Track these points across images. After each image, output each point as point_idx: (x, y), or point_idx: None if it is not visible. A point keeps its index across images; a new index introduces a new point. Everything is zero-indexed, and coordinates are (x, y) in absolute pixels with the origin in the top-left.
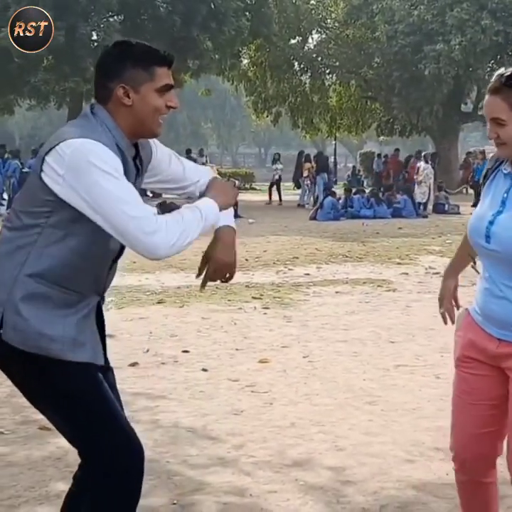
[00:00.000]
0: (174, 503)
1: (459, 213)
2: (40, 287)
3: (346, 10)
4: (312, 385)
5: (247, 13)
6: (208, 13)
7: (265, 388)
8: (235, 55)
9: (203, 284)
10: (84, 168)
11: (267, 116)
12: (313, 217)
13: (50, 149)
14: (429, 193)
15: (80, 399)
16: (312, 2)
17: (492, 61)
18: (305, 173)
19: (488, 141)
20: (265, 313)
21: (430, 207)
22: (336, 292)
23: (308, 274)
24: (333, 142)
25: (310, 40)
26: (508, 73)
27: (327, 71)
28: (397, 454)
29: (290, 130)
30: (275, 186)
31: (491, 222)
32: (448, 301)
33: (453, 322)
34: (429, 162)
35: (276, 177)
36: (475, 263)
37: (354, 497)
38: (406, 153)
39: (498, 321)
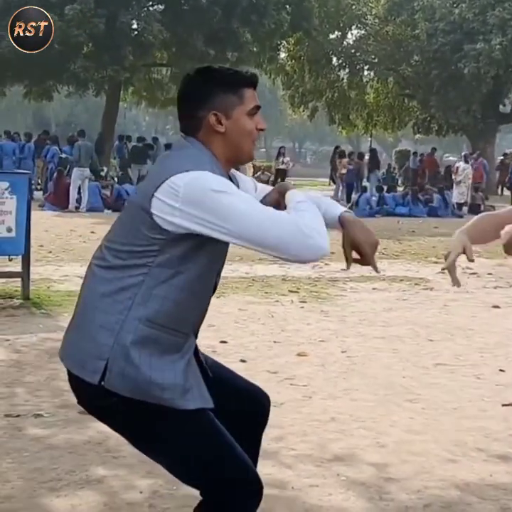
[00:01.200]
0: None
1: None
2: (151, 331)
3: (387, 6)
4: (351, 380)
5: (288, 7)
6: (248, 5)
7: (304, 381)
8: (273, 48)
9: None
10: (209, 197)
11: (304, 111)
12: None
13: (159, 185)
14: (468, 194)
15: (195, 444)
16: None
17: None
18: (343, 170)
19: None
20: (302, 307)
21: (465, 208)
22: (373, 288)
23: (344, 270)
24: (369, 139)
25: (349, 35)
26: None
27: (365, 67)
28: (440, 453)
29: (325, 125)
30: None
31: None
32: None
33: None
34: (469, 162)
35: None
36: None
37: (397, 494)
38: (441, 153)
39: None
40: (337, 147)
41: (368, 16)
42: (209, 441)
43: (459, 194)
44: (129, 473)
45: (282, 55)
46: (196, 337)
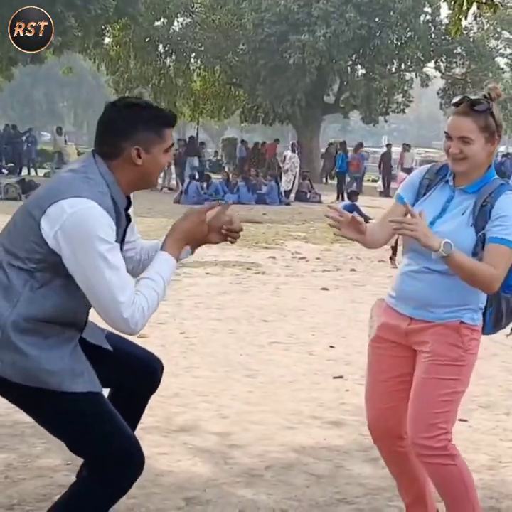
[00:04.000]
0: (68, 464)
1: (320, 202)
2: (34, 325)
3: None
4: (191, 359)
5: None
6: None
7: None
8: (98, 33)
9: None
10: (82, 238)
11: None
12: (177, 201)
13: (53, 203)
14: (294, 182)
15: (85, 423)
16: None
17: (354, 54)
18: None
19: (347, 133)
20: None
21: (293, 195)
22: (206, 273)
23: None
24: (196, 127)
25: (175, 23)
26: (477, 101)
27: (192, 55)
28: (278, 422)
29: None
30: None
31: (432, 223)
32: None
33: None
34: (296, 151)
35: None
36: (395, 256)
37: (241, 459)
38: (266, 141)
39: (415, 300)
40: None
41: (195, 4)
42: (98, 420)
43: (286, 182)
44: None
45: (107, 40)
46: (84, 324)
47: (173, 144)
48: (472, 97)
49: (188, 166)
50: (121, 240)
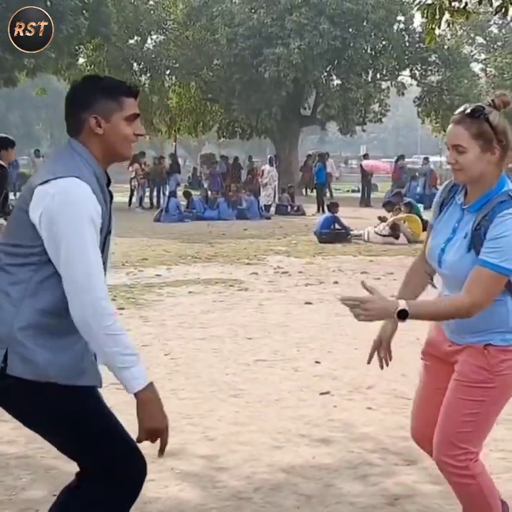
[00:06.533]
0: (54, 495)
1: (304, 214)
2: (42, 319)
3: (185, 11)
4: (177, 380)
5: (85, 12)
6: (44, 9)
7: None
8: (72, 54)
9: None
10: (64, 217)
11: None
12: (158, 219)
13: (36, 187)
14: (274, 195)
15: (87, 418)
16: (151, 3)
17: (329, 66)
18: (132, 174)
19: (325, 144)
20: (121, 314)
21: (273, 209)
22: (189, 292)
23: (159, 275)
24: (173, 144)
25: (149, 40)
26: (472, 107)
27: (167, 72)
28: (266, 441)
29: None
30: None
31: (443, 250)
32: (385, 348)
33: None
34: (274, 165)
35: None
36: (432, 279)
37: (229, 482)
38: (243, 156)
39: (449, 325)
40: (142, 153)
41: (168, 21)
42: (100, 416)
43: (265, 196)
44: None
45: (81, 60)
46: None
47: (137, 115)
48: (473, 105)
49: (173, 183)
50: (108, 221)
